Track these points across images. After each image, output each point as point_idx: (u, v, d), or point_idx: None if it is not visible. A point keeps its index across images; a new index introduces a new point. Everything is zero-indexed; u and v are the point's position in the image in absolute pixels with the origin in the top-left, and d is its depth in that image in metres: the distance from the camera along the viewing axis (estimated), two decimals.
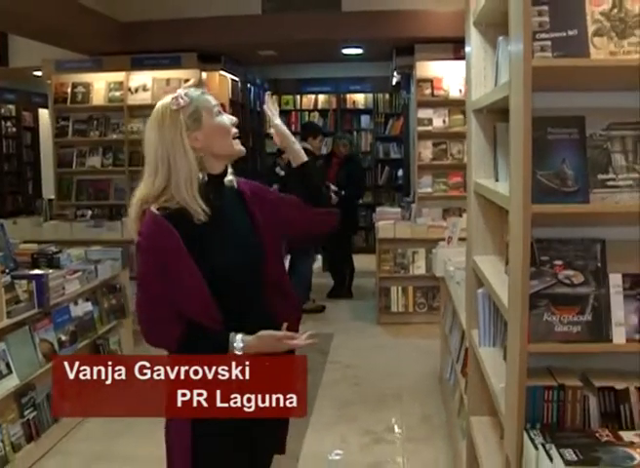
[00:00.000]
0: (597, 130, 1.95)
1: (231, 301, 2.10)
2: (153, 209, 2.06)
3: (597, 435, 1.81)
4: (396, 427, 4.57)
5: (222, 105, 8.10)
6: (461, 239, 5.58)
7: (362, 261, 8.23)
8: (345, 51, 8.47)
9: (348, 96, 11.53)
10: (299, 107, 11.76)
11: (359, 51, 8.52)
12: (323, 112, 11.61)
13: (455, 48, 7.22)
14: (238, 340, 2.05)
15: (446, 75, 7.52)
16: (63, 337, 4.52)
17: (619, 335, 1.95)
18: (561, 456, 1.57)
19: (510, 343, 2.06)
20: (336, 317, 7.42)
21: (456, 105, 7.57)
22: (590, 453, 1.59)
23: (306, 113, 11.68)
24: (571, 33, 1.87)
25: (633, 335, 1.95)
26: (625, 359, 2.07)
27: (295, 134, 9.14)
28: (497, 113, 2.92)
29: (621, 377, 2.01)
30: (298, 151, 2.38)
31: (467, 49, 3.21)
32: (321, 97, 11.63)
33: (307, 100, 11.73)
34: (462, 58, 7.45)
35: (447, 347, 4.85)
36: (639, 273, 1.98)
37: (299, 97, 11.73)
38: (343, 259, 8.07)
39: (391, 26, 7.10)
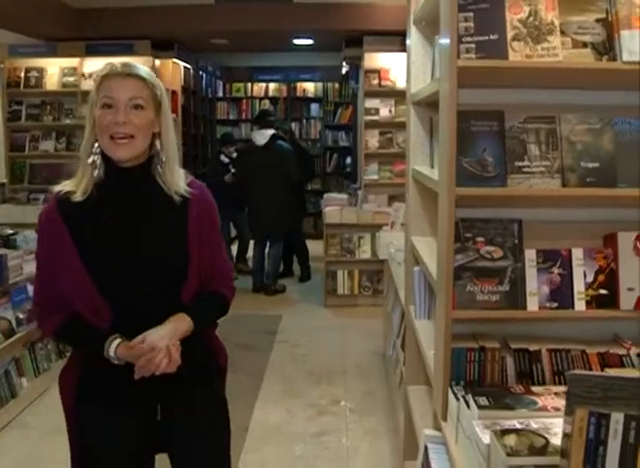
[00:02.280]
0: (515, 123, 2.19)
1: (127, 312, 2.01)
2: (59, 187, 2.05)
3: (511, 389, 2.07)
4: (340, 400, 4.79)
5: (174, 93, 8.21)
6: (404, 224, 5.87)
7: (310, 246, 8.45)
8: (296, 41, 8.63)
9: (299, 84, 11.71)
10: (250, 95, 11.91)
11: (310, 41, 8.69)
12: (274, 100, 11.76)
13: (401, 40, 7.32)
14: (113, 347, 1.97)
15: (393, 66, 7.74)
16: (21, 315, 4.66)
17: (532, 304, 2.21)
18: (476, 402, 1.82)
19: (438, 311, 2.31)
20: (284, 299, 7.64)
21: (402, 96, 7.65)
22: (501, 400, 1.84)
23: (257, 101, 11.83)
24: (492, 37, 2.11)
25: (545, 304, 2.21)
26: (538, 325, 2.35)
27: (246, 121, 9.33)
28: (433, 105, 3.16)
29: (535, 341, 2.28)
30: None
31: (408, 44, 3.45)
32: (272, 86, 11.78)
33: (258, 88, 11.87)
34: None
35: (390, 325, 5.11)
36: (550, 249, 2.24)
37: (250, 84, 11.87)
38: (296, 241, 8.30)
39: (341, 18, 7.29)
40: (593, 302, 2.22)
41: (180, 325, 2.03)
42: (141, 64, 2.09)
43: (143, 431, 2.12)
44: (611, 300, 2.23)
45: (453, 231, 2.15)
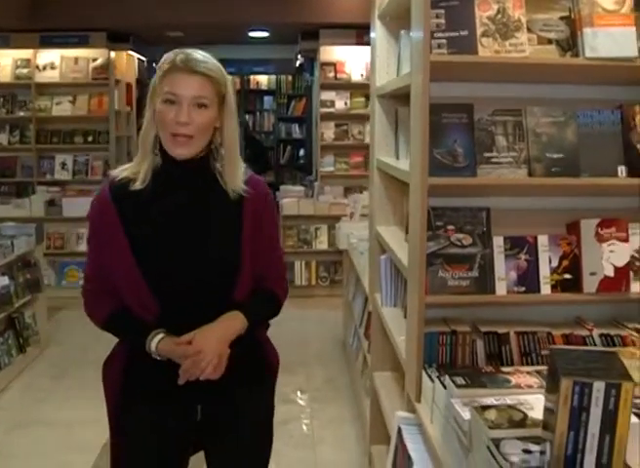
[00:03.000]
0: (483, 115, 2.29)
1: (175, 307, 1.96)
2: (115, 172, 2.01)
3: (483, 370, 2.16)
4: (303, 389, 4.87)
5: (129, 85, 8.17)
6: (363, 215, 5.97)
7: None
8: (252, 34, 8.65)
9: (252, 77, 11.76)
10: None
11: (265, 34, 8.72)
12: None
13: (357, 34, 7.54)
14: (155, 342, 1.93)
15: (348, 59, 7.84)
16: None
17: (501, 288, 2.31)
18: (453, 382, 1.91)
19: (410, 297, 2.40)
20: None
21: (357, 88, 7.92)
22: (476, 379, 1.94)
23: None
24: (462, 33, 2.20)
25: (512, 288, 2.32)
26: (506, 309, 2.45)
27: None
28: (398, 98, 3.25)
29: (503, 324, 2.38)
30: None
31: (372, 39, 3.53)
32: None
33: None
34: (365, 43, 7.86)
35: (350, 314, 5.20)
36: (517, 236, 2.34)
37: None
38: None
39: (298, 11, 7.33)
40: (558, 286, 2.34)
41: (232, 324, 1.97)
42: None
43: (183, 431, 2.07)
44: (574, 284, 2.34)
45: (425, 219, 2.23)
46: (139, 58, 9.04)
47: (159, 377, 1.98)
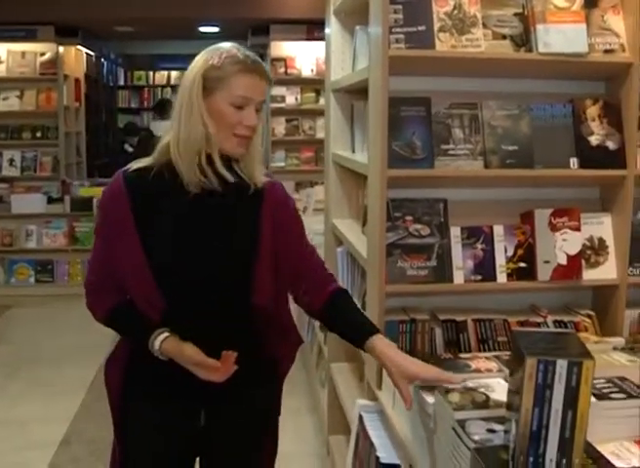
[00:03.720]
0: (440, 108, 2.35)
1: (181, 304, 1.86)
2: (132, 164, 1.91)
3: (441, 356, 2.22)
4: None
5: (77, 81, 8.05)
6: (316, 209, 6.01)
7: None
8: (202, 29, 8.63)
9: None
10: (151, 83, 11.80)
11: (216, 29, 8.70)
12: (176, 88, 11.64)
13: (308, 29, 7.59)
14: (159, 341, 1.84)
15: (299, 55, 7.86)
16: None
17: (458, 277, 2.37)
18: None
19: (370, 287, 2.45)
20: None
21: (307, 84, 7.96)
22: (439, 365, 1.98)
23: (159, 89, 11.75)
24: (420, 29, 2.26)
25: (470, 277, 2.38)
26: (463, 297, 2.51)
27: (148, 110, 9.18)
28: (353, 93, 3.30)
29: (460, 312, 2.44)
30: None
31: (327, 34, 3.56)
32: (174, 74, 11.69)
33: (160, 77, 11.79)
34: (315, 38, 7.88)
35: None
36: (474, 226, 2.40)
37: (152, 73, 11.77)
38: None
39: (248, 6, 7.31)
40: (514, 275, 2.41)
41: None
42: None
43: (186, 434, 1.98)
44: (529, 272, 2.41)
45: (385, 211, 2.28)
46: (87, 53, 8.93)
47: (161, 378, 1.92)
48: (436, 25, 2.27)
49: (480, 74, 2.43)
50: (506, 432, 1.45)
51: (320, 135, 8.01)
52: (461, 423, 1.55)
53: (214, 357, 1.80)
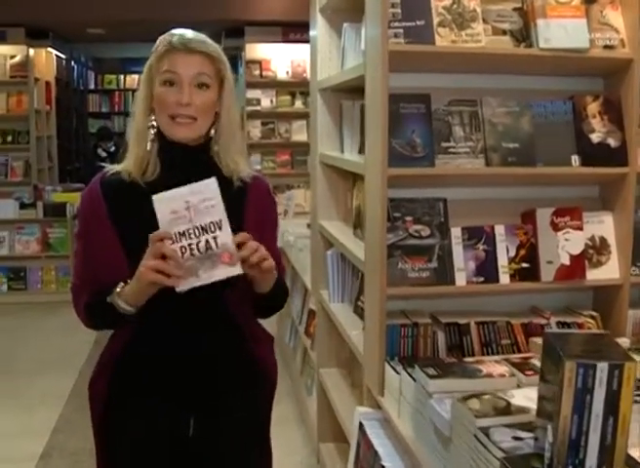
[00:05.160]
0: (440, 106, 2.28)
1: (160, 299, 1.73)
2: (109, 167, 1.89)
3: (446, 361, 2.15)
4: None
5: (48, 84, 7.91)
6: (298, 213, 5.95)
7: None
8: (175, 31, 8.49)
9: None
10: (122, 87, 11.67)
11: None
12: None
13: (283, 31, 7.53)
14: (117, 289, 1.74)
15: (274, 57, 7.80)
16: None
17: (460, 279, 2.30)
18: (425, 373, 1.89)
19: (369, 290, 2.37)
20: None
21: (283, 86, 7.90)
22: (448, 369, 1.92)
23: (130, 93, 11.61)
24: (419, 23, 2.19)
25: (472, 278, 2.31)
26: (463, 299, 2.45)
27: (119, 114, 9.08)
28: (341, 92, 3.23)
29: (462, 315, 2.37)
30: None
31: (312, 34, 3.49)
32: None
33: (131, 80, 11.68)
34: (291, 41, 7.80)
35: (287, 313, 5.14)
36: (474, 226, 2.34)
37: (122, 76, 11.64)
38: None
39: (222, 8, 7.25)
40: (516, 275, 2.34)
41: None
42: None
43: (175, 444, 1.90)
44: (532, 273, 2.36)
45: (385, 211, 2.21)
46: (58, 56, 8.77)
47: (149, 386, 1.86)
48: (435, 20, 2.20)
49: (479, 70, 2.37)
50: (536, 439, 1.39)
51: (296, 138, 7.96)
52: (485, 431, 1.49)
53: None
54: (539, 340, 2.27)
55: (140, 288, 1.70)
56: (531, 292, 2.47)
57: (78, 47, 9.80)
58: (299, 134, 7.97)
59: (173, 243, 1.66)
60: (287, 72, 7.81)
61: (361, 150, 2.93)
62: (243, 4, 7.26)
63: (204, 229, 1.68)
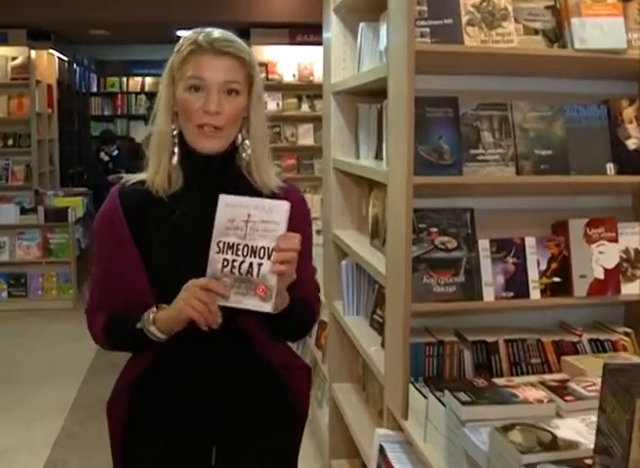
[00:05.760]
0: (467, 110, 2.14)
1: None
2: (129, 177, 1.77)
3: (474, 383, 2.00)
4: None
5: (50, 87, 7.78)
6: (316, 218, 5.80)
7: None
8: (180, 33, 8.39)
9: None
10: (125, 90, 11.53)
11: None
12: (150, 95, 11.45)
13: (290, 33, 7.40)
14: (150, 315, 1.63)
15: (280, 60, 7.68)
16: None
17: (488, 294, 2.16)
18: (456, 398, 1.75)
19: (392, 306, 2.23)
20: None
21: (289, 89, 7.77)
22: (481, 394, 1.78)
23: (133, 95, 11.49)
24: (447, 22, 2.05)
25: (501, 293, 2.17)
26: (490, 315, 2.31)
27: (122, 117, 8.95)
28: (358, 95, 3.09)
29: (489, 331, 2.24)
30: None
31: (326, 34, 3.35)
32: (148, 80, 11.46)
33: (134, 83, 11.55)
34: (297, 43, 7.68)
35: None
36: (503, 238, 2.20)
37: (125, 79, 11.51)
38: None
39: (227, 9, 7.14)
40: (547, 290, 2.21)
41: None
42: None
43: None
44: (564, 288, 2.22)
45: (411, 222, 2.07)
46: (60, 58, 8.65)
47: (170, 413, 1.75)
48: (464, 19, 2.06)
49: (509, 72, 2.23)
50: None
51: (302, 141, 7.83)
52: None
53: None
54: (571, 359, 2.15)
55: (178, 319, 1.59)
56: (558, 307, 2.33)
57: (80, 49, 9.67)
58: (305, 137, 7.84)
59: (218, 252, 1.55)
60: (293, 75, 7.68)
61: (377, 156, 2.81)
62: (249, 5, 7.15)
63: (253, 251, 1.54)
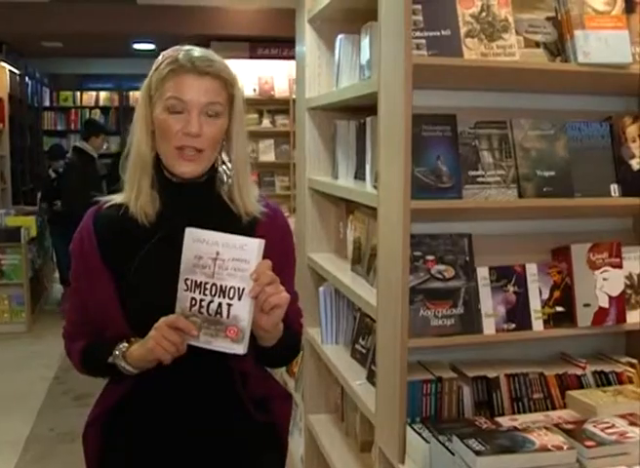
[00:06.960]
0: (465, 128, 1.99)
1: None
2: (105, 199, 1.68)
3: (477, 423, 1.85)
4: None
5: (1, 100, 7.48)
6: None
7: None
8: (137, 46, 8.18)
9: (132, 93, 11.17)
10: (79, 104, 11.25)
11: (151, 46, 8.23)
12: (105, 109, 11.20)
13: (250, 46, 7.23)
14: (121, 347, 1.57)
15: (240, 74, 7.44)
16: None
17: (488, 326, 2.01)
18: (468, 447, 1.58)
19: (384, 341, 2.04)
20: None
21: (250, 104, 7.51)
22: (492, 440, 1.62)
23: (87, 110, 11.21)
24: (444, 33, 1.90)
25: (502, 325, 2.02)
26: (489, 349, 2.16)
27: (75, 132, 8.65)
28: (333, 111, 2.93)
29: (490, 366, 2.08)
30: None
31: (300, 48, 3.18)
32: (103, 94, 11.22)
33: (88, 97, 11.27)
34: (258, 56, 7.51)
35: None
36: (503, 266, 2.06)
37: (79, 93, 11.23)
38: None
39: (186, 22, 6.95)
40: (550, 321, 2.07)
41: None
42: None
43: None
44: (567, 317, 2.08)
45: (408, 251, 1.90)
46: (11, 71, 8.34)
47: (145, 443, 1.66)
48: (463, 30, 1.91)
49: (509, 87, 2.09)
50: None
51: (263, 158, 7.66)
52: None
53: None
54: (577, 395, 2.01)
55: (148, 359, 1.52)
56: (559, 338, 2.19)
57: (33, 62, 9.36)
58: (266, 153, 7.65)
59: (186, 290, 1.47)
60: (254, 89, 7.49)
61: (357, 175, 2.65)
62: (208, 18, 6.96)
63: (222, 291, 1.43)
